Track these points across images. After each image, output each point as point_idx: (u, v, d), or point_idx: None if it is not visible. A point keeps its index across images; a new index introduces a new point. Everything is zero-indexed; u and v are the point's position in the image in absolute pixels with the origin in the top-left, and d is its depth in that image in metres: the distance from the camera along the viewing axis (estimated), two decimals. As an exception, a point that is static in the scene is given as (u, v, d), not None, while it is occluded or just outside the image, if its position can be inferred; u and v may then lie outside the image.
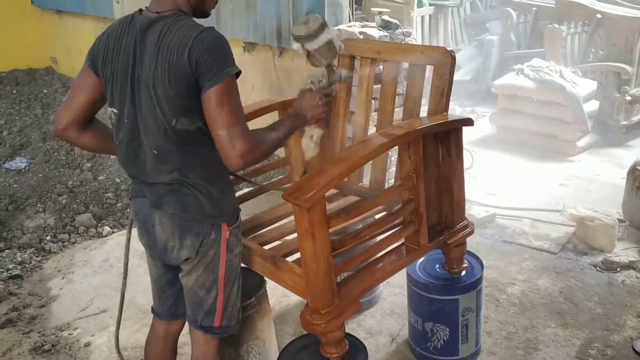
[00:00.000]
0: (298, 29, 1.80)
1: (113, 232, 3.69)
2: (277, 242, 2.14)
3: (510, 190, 4.08)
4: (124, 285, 2.06)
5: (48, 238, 3.59)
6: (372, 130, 2.61)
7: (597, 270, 3.07)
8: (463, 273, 2.30)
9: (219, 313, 1.76)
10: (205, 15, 1.69)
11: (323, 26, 1.79)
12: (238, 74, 1.53)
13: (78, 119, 1.70)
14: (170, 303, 1.90)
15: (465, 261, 2.33)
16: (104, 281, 3.15)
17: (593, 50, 5.58)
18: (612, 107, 5.02)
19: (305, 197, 1.60)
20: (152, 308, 1.96)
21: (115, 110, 1.64)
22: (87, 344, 2.65)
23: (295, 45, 1.82)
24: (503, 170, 4.51)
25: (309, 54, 1.83)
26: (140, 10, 1.62)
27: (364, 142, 1.87)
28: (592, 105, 4.89)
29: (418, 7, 5.83)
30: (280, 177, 2.74)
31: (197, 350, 1.82)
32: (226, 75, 1.49)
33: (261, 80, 4.56)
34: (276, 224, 2.28)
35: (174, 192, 1.63)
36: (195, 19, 1.62)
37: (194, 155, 1.60)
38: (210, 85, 1.48)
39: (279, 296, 2.85)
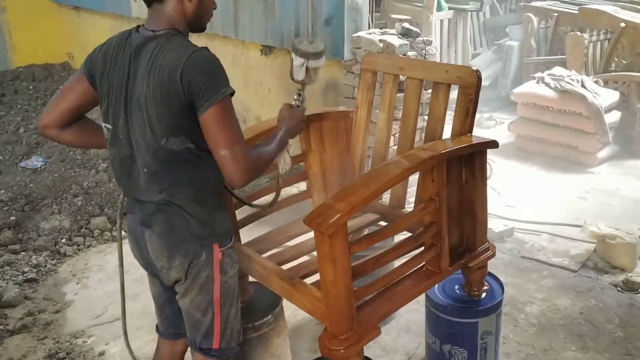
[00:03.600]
0: (307, 46, 1.88)
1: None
2: (296, 262, 2.11)
3: (529, 202, 4.02)
4: (122, 281, 2.09)
5: (63, 241, 3.60)
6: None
7: (618, 290, 3.01)
8: (483, 295, 2.26)
9: (217, 335, 1.74)
10: (202, 29, 1.67)
11: (324, 51, 1.91)
12: (232, 93, 1.52)
13: (60, 121, 1.70)
14: (170, 322, 1.89)
15: (485, 283, 2.29)
16: (119, 288, 3.13)
17: (616, 59, 5.48)
18: (634, 118, 4.94)
19: (328, 224, 1.57)
20: (156, 326, 1.95)
21: (109, 126, 1.64)
22: (102, 353, 2.64)
23: (298, 61, 1.88)
24: (522, 180, 4.44)
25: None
26: (138, 27, 1.62)
27: (387, 166, 1.84)
28: (613, 116, 4.80)
29: (437, 11, 5.77)
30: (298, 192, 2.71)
31: None
32: (222, 95, 1.48)
33: (278, 84, 4.52)
34: (294, 241, 2.26)
35: (162, 211, 1.62)
36: (191, 34, 1.62)
37: (183, 175, 1.59)
38: (208, 106, 1.47)
39: (294, 309, 2.80)
